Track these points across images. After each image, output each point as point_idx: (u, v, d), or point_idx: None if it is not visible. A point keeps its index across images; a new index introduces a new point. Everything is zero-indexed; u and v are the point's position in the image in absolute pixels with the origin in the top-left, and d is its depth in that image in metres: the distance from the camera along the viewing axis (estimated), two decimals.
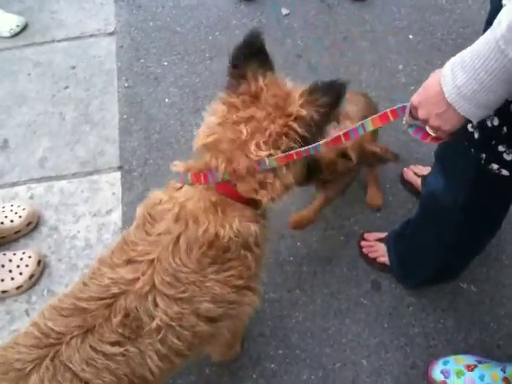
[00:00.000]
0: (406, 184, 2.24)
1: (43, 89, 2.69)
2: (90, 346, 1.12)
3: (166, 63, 2.74)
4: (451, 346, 1.86)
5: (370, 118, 1.12)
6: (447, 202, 1.48)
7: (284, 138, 1.16)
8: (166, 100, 2.61)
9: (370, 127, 1.13)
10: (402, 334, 1.89)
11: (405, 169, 2.26)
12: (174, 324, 1.17)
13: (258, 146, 1.15)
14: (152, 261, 1.18)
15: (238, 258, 1.24)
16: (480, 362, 1.71)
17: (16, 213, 2.14)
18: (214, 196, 1.22)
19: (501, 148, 1.20)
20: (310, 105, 1.15)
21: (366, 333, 1.90)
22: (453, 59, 0.98)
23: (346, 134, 1.14)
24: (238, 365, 1.83)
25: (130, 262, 1.20)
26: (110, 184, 2.34)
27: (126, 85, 2.68)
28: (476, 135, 1.24)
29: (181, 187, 1.27)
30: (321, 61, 2.70)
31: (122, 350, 1.13)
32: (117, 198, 2.29)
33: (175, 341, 1.19)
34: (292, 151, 1.15)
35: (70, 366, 1.11)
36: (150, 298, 1.15)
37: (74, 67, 2.76)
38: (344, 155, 1.57)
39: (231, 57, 1.24)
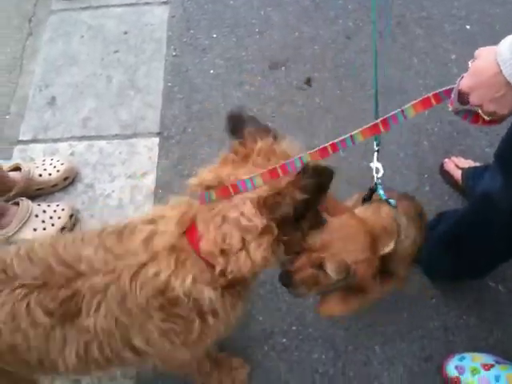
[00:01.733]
0: (445, 175, 2.17)
1: (94, 51, 2.74)
2: (27, 305, 1.12)
3: (214, 35, 2.75)
4: (471, 343, 1.80)
5: (411, 103, 1.07)
6: (502, 203, 1.42)
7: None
8: (211, 71, 2.61)
9: (411, 113, 1.07)
10: (420, 326, 1.85)
11: (446, 159, 2.19)
12: (101, 336, 1.15)
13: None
14: (113, 270, 1.15)
15: (185, 318, 1.17)
16: (498, 362, 1.65)
17: (55, 167, 2.21)
18: (183, 241, 1.16)
19: None
20: (294, 186, 1.07)
21: (383, 320, 1.86)
22: (510, 37, 0.92)
23: (383, 122, 1.08)
24: (250, 335, 1.84)
25: (107, 251, 1.18)
26: (148, 148, 2.38)
27: (174, 54, 2.70)
28: None
29: (175, 209, 1.22)
30: (371, 43, 2.64)
31: (49, 324, 1.13)
32: (153, 163, 2.33)
33: (96, 351, 1.17)
34: (276, 165, 1.09)
35: None
36: (97, 297, 1.13)
37: (125, 33, 2.81)
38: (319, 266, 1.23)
39: (228, 121, 1.21)
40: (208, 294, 1.15)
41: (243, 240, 1.10)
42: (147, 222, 1.21)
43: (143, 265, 1.14)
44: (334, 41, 2.65)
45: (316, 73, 2.57)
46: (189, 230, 1.17)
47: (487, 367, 1.63)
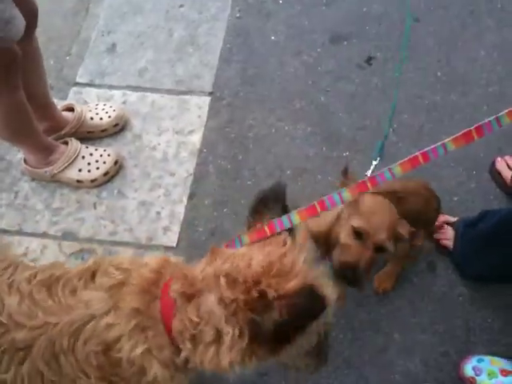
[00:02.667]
0: (494, 174, 2.11)
1: (160, 3, 2.75)
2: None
3: (280, 1, 2.71)
4: (491, 347, 1.78)
5: (450, 138, 1.01)
6: None
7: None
8: (272, 37, 2.59)
9: (451, 147, 1.01)
10: (443, 321, 1.84)
11: (498, 158, 2.13)
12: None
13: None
14: (41, 326, 1.06)
15: (125, 380, 1.07)
16: None
17: (107, 112, 2.26)
18: (155, 308, 1.06)
19: None
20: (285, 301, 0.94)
21: (406, 309, 1.86)
22: None
23: (423, 154, 1.02)
24: None
25: (34, 304, 1.10)
26: (198, 107, 2.39)
27: (238, 15, 2.69)
28: None
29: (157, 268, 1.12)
30: (439, 29, 2.55)
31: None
32: (201, 121, 2.35)
33: None
34: (265, 224, 1.08)
35: None
36: (20, 353, 1.07)
37: None
38: (380, 249, 1.38)
39: (254, 201, 1.14)
40: (156, 370, 1.06)
41: (218, 333, 0.99)
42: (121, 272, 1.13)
43: (92, 318, 1.06)
44: (402, 21, 2.57)
45: (378, 52, 2.52)
46: (164, 299, 1.06)
47: (505, 373, 1.61)
